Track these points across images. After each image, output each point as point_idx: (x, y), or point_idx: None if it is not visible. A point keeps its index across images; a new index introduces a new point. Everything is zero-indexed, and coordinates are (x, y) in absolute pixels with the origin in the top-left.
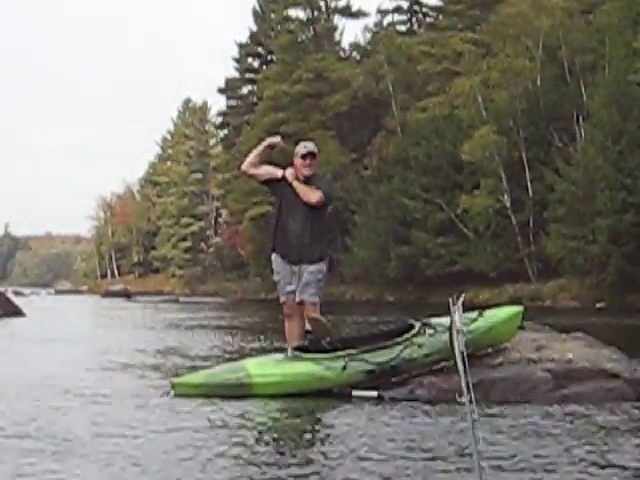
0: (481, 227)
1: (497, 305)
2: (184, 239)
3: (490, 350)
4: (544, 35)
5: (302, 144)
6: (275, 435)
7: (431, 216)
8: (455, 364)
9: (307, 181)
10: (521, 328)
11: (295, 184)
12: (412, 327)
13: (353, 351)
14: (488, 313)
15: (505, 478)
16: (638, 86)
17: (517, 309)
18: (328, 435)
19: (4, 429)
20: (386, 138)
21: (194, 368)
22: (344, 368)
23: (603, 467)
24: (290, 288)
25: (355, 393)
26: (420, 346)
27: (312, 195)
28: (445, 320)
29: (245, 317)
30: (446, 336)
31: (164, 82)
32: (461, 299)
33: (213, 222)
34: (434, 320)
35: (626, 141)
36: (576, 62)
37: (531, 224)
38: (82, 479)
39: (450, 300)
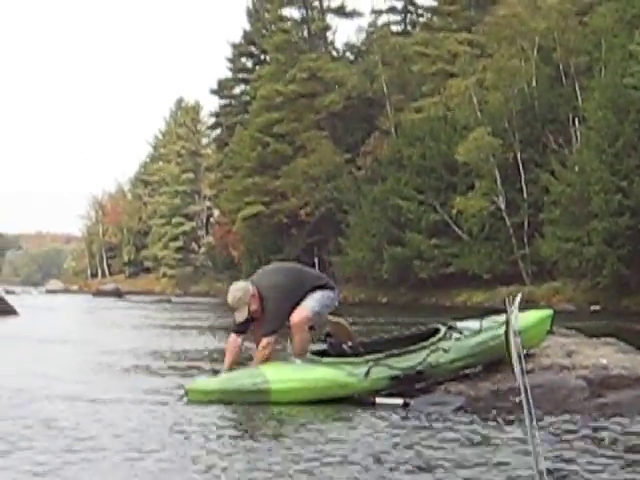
0: (475, 229)
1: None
2: (175, 239)
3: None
4: (539, 36)
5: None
6: (291, 444)
7: (425, 217)
8: (510, 364)
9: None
10: (551, 332)
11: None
12: (437, 331)
13: (377, 356)
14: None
15: None
16: (634, 89)
17: (547, 312)
18: (345, 445)
19: None
20: (380, 139)
21: (198, 369)
22: (367, 374)
23: None
24: None
25: (379, 400)
26: (446, 351)
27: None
28: (472, 324)
29: None
30: (473, 341)
31: (157, 82)
32: (518, 299)
33: (205, 222)
34: (460, 324)
35: (622, 144)
36: (571, 64)
37: (526, 226)
38: None
39: (506, 300)
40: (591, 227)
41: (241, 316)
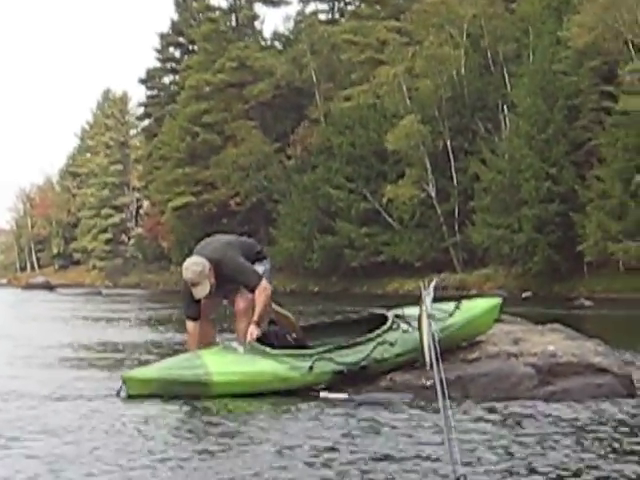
0: (406, 217)
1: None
2: (105, 231)
3: (464, 344)
4: (467, 24)
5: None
6: (235, 441)
7: (355, 206)
8: (422, 351)
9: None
10: (498, 321)
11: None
12: (383, 318)
13: (320, 349)
14: (465, 305)
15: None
16: (563, 74)
17: (496, 301)
18: (290, 440)
19: None
20: (310, 128)
21: (136, 362)
22: (311, 368)
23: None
24: None
25: (323, 395)
26: (392, 344)
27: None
28: (415, 311)
29: (170, 309)
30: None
31: (83, 72)
32: (432, 284)
33: (134, 213)
34: (407, 311)
35: (552, 131)
36: (500, 51)
37: (456, 213)
38: None
39: (421, 285)
40: (521, 214)
41: (203, 291)
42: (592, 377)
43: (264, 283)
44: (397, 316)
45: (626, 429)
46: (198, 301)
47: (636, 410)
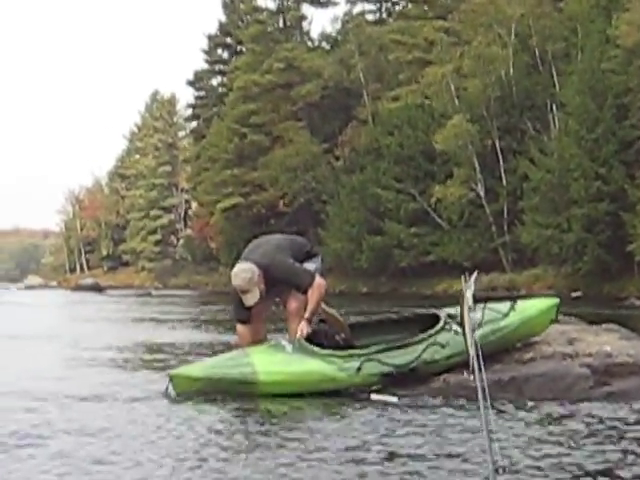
0: (455, 217)
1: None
2: (154, 232)
3: (519, 345)
4: (515, 23)
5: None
6: (281, 440)
7: (404, 206)
8: (464, 337)
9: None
10: (555, 322)
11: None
12: (436, 318)
13: (369, 350)
14: (521, 305)
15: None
16: (612, 73)
17: (553, 301)
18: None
19: None
20: (358, 128)
21: (183, 362)
22: (359, 369)
23: None
24: None
25: (375, 397)
26: (443, 346)
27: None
28: (472, 315)
29: (219, 311)
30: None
31: (132, 74)
32: (473, 276)
33: (183, 215)
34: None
35: (601, 130)
36: (548, 50)
37: (505, 213)
38: None
39: (462, 278)
40: (571, 213)
41: (253, 298)
42: None
43: (318, 279)
44: (450, 316)
45: None
46: (248, 308)
47: None
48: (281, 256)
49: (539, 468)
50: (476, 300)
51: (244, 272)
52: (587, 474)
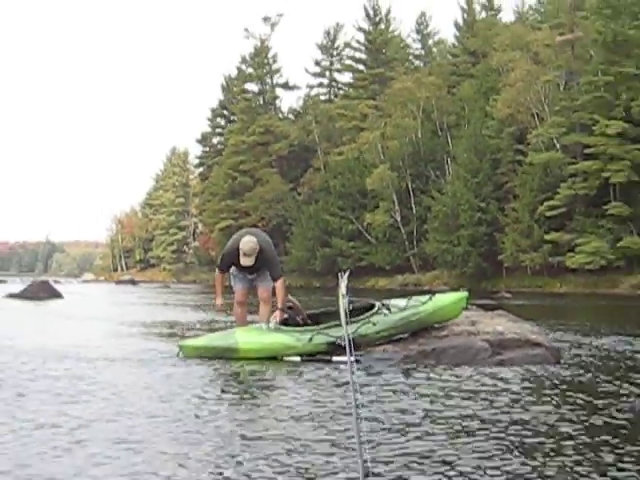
0: (380, 235)
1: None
2: (172, 244)
3: (437, 325)
4: (423, 102)
5: (242, 243)
6: (264, 399)
7: (345, 227)
8: (339, 318)
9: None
10: (465, 309)
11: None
12: (373, 306)
13: (319, 327)
14: (438, 297)
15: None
16: (489, 137)
17: (462, 294)
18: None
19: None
20: (314, 174)
21: (190, 334)
22: (310, 340)
23: (526, 411)
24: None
25: (336, 358)
26: (374, 324)
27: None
28: (400, 302)
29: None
30: (397, 317)
31: (158, 135)
32: (346, 274)
33: (192, 232)
34: (392, 302)
35: (481, 176)
36: (445, 121)
37: (415, 233)
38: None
39: (339, 274)
40: (460, 234)
41: (250, 261)
42: (529, 349)
43: (280, 282)
44: (382, 304)
45: (551, 383)
46: (230, 267)
47: (560, 372)
48: (270, 246)
49: (452, 415)
50: (348, 290)
51: (253, 243)
52: (482, 421)
